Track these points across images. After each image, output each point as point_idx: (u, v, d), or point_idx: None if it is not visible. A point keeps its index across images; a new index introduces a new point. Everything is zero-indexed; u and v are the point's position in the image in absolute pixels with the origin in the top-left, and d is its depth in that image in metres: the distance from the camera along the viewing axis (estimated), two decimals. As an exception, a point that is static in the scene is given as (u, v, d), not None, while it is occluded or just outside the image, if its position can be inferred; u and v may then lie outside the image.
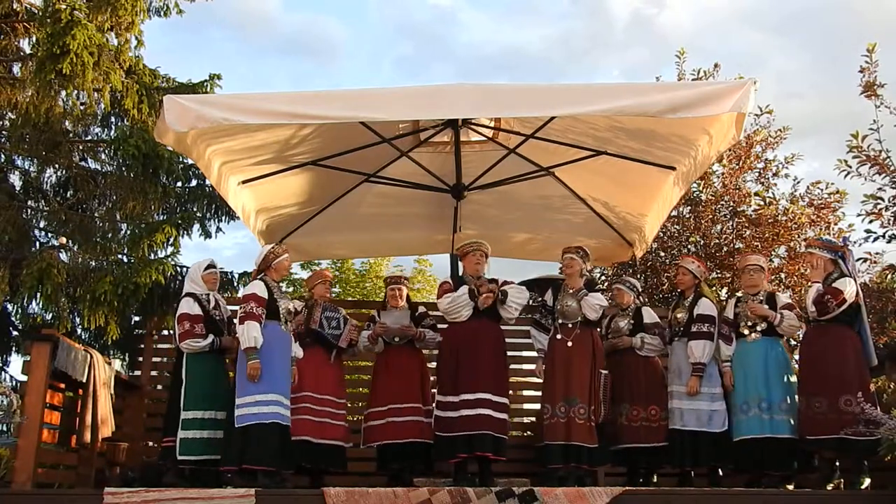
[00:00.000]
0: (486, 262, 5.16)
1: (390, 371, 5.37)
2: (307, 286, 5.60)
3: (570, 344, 5.06)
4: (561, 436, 4.88)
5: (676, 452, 5.10)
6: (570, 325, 5.11)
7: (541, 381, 5.30)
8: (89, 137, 7.63)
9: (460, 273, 5.24)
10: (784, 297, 5.19)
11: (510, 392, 5.18)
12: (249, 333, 4.57)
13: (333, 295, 12.37)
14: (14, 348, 7.52)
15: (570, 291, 5.17)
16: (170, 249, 6.76)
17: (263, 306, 4.69)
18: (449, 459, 4.85)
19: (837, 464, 4.74)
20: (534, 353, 5.45)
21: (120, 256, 6.81)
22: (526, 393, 6.80)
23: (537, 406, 5.48)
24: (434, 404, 5.00)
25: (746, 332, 5.00)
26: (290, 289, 11.72)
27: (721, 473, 5.20)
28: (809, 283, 4.96)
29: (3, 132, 7.34)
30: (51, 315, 6.54)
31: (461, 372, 4.83)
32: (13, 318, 7.18)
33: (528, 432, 6.49)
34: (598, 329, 5.31)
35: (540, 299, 5.40)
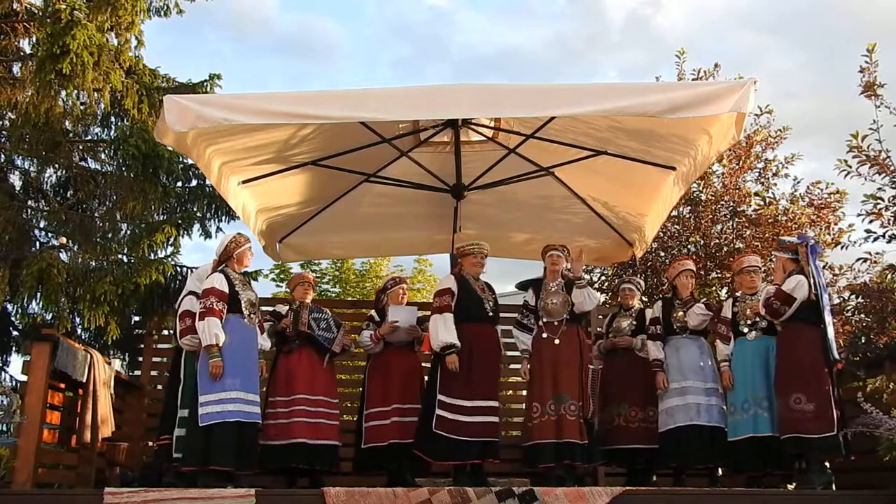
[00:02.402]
0: (484, 265, 5.18)
1: (393, 371, 5.37)
2: (288, 288, 5.61)
3: (557, 342, 5.06)
4: (552, 434, 4.86)
5: (687, 450, 5.10)
6: (555, 323, 5.10)
7: (526, 381, 5.30)
8: (89, 137, 7.63)
9: (462, 272, 5.20)
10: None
11: (510, 392, 5.19)
12: (210, 330, 4.50)
13: (333, 295, 12.39)
14: (14, 348, 7.53)
15: (553, 289, 5.17)
16: (170, 249, 6.79)
17: (224, 300, 4.61)
18: (455, 462, 4.81)
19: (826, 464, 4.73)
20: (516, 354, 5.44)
21: (120, 256, 6.81)
22: (525, 393, 6.79)
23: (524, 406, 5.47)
24: (436, 403, 4.89)
25: (746, 330, 5.01)
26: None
27: (721, 473, 5.20)
28: (766, 287, 4.94)
29: (3, 132, 7.34)
30: (51, 315, 6.55)
31: (476, 377, 4.83)
32: (13, 318, 7.18)
33: (517, 432, 6.48)
34: (591, 326, 5.35)
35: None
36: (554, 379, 4.97)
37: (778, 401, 4.64)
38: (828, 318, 4.65)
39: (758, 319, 4.97)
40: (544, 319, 5.14)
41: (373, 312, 5.61)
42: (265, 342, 4.97)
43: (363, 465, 5.31)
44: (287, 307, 5.39)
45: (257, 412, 4.64)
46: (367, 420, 5.34)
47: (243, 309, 4.70)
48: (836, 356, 4.64)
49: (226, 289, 4.64)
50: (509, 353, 5.91)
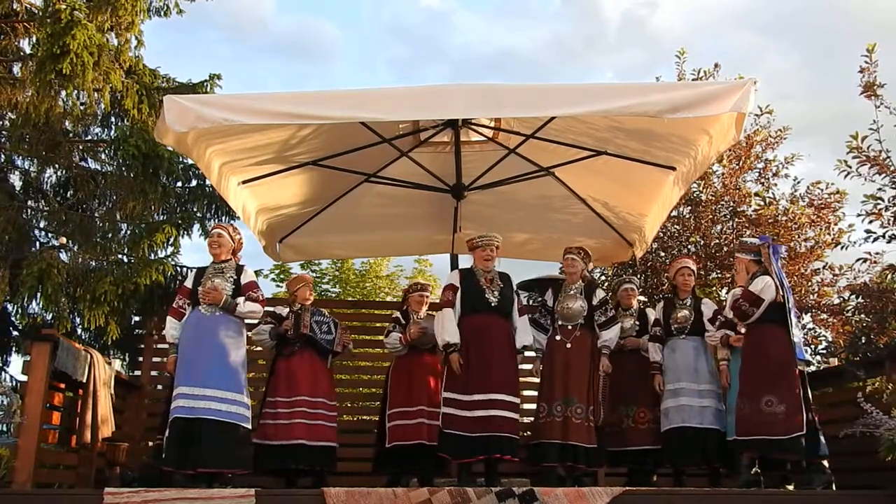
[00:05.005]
0: (496, 258, 5.09)
1: (418, 373, 5.36)
2: (289, 290, 5.59)
3: (569, 346, 5.06)
4: (557, 434, 4.88)
5: (678, 451, 5.11)
6: (569, 327, 5.11)
7: (538, 380, 5.30)
8: (89, 137, 7.62)
9: (471, 266, 5.15)
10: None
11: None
12: (166, 328, 4.72)
13: (333, 295, 12.39)
14: (14, 348, 7.52)
15: (571, 292, 5.18)
16: (170, 249, 6.77)
17: (186, 296, 4.75)
18: (463, 459, 4.75)
19: (757, 468, 4.73)
20: (531, 353, 5.43)
21: (120, 256, 6.80)
22: (527, 393, 6.79)
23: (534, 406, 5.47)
24: (441, 401, 4.87)
25: (742, 330, 5.02)
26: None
27: (722, 472, 5.20)
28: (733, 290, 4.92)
29: (3, 132, 7.33)
30: (51, 315, 6.53)
31: (473, 370, 4.76)
32: (13, 318, 7.17)
33: (528, 432, 6.48)
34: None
35: (540, 299, 5.40)
36: (564, 382, 4.98)
37: (744, 402, 4.61)
38: (794, 320, 4.66)
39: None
40: (559, 322, 5.14)
41: (398, 314, 5.60)
42: (243, 307, 4.72)
43: (385, 465, 5.31)
44: (287, 309, 5.39)
45: (208, 407, 4.48)
46: (391, 420, 5.33)
47: (200, 299, 4.70)
48: (805, 357, 4.67)
49: (190, 285, 4.77)
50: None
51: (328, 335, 5.32)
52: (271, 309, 5.48)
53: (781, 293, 4.64)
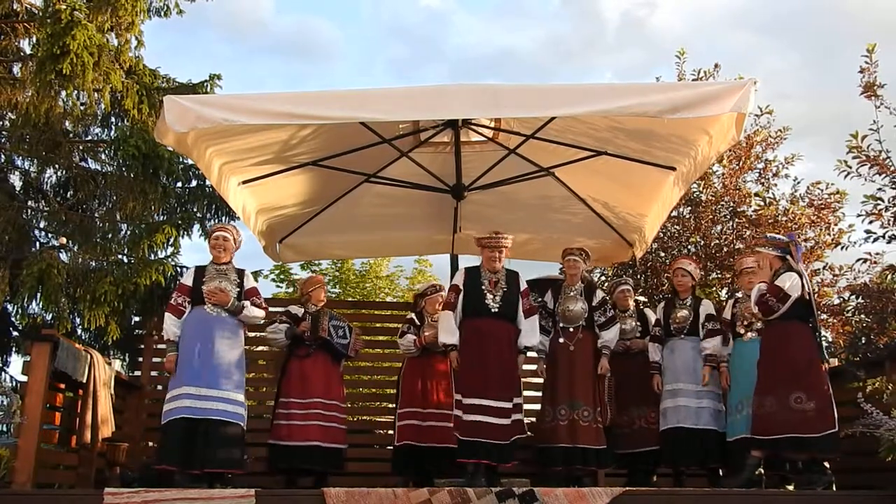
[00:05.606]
0: (503, 259, 5.06)
1: (431, 376, 5.37)
2: (303, 291, 5.59)
3: (571, 348, 5.05)
4: (563, 438, 4.88)
5: (674, 451, 5.12)
6: (571, 329, 5.11)
7: (541, 380, 5.30)
8: (89, 137, 7.62)
9: (478, 265, 5.13)
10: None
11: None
12: (164, 325, 4.69)
13: (333, 295, 12.40)
14: (14, 348, 7.51)
15: (571, 294, 5.17)
16: (170, 250, 6.78)
17: (186, 294, 4.71)
18: (469, 460, 4.73)
19: (762, 470, 4.72)
20: (533, 354, 5.42)
21: (120, 256, 6.80)
22: (527, 393, 6.79)
23: (538, 406, 5.47)
24: (454, 404, 4.88)
25: (742, 331, 5.02)
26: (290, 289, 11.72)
27: (722, 473, 5.20)
28: (756, 285, 4.82)
29: (3, 132, 7.33)
30: (51, 315, 6.53)
31: (464, 373, 4.78)
32: (13, 318, 7.17)
33: (529, 433, 6.48)
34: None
35: (540, 300, 5.40)
36: (568, 385, 4.97)
37: (767, 400, 4.53)
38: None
39: (754, 321, 4.96)
40: (561, 324, 5.14)
41: (412, 316, 5.59)
42: (251, 310, 4.79)
43: (401, 465, 5.34)
44: (302, 309, 5.38)
45: (215, 408, 4.50)
46: (401, 419, 5.36)
47: (205, 299, 4.69)
48: (825, 356, 4.66)
49: (190, 283, 4.74)
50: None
51: (343, 340, 5.35)
52: (285, 308, 5.49)
53: (808, 290, 4.62)
